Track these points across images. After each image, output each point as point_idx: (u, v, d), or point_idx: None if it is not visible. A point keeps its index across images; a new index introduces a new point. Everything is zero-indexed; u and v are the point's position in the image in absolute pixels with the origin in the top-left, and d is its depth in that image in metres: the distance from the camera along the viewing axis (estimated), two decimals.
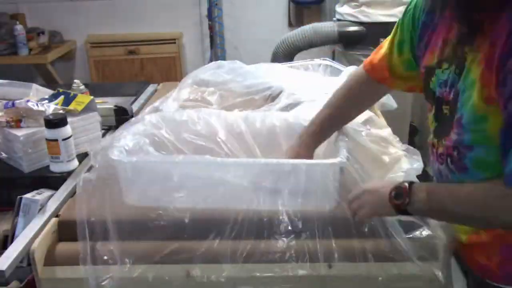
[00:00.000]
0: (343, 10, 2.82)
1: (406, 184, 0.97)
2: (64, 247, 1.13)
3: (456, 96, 0.95)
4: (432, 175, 1.08)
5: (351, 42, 2.80)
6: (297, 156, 1.23)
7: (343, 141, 1.20)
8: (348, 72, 1.73)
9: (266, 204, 1.11)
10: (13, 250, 1.09)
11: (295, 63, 2.08)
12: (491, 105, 0.87)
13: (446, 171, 0.99)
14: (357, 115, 1.33)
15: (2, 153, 1.42)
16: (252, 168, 1.14)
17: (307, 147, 1.26)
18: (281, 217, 1.08)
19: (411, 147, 1.31)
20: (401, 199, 0.97)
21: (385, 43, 1.20)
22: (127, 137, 1.21)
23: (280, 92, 1.63)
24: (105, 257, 1.07)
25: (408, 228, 1.08)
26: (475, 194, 0.92)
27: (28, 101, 1.39)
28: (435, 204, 0.95)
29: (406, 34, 1.12)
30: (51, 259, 1.10)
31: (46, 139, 1.32)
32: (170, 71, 3.86)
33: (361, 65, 1.25)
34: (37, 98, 1.48)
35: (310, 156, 1.26)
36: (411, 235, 1.07)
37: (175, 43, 3.85)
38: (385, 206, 0.99)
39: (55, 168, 1.34)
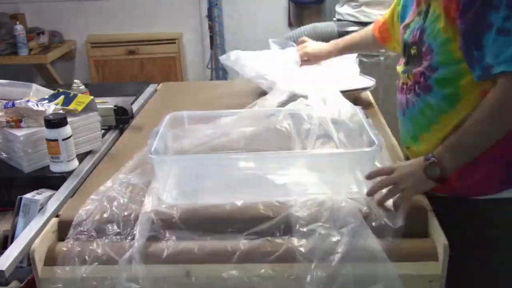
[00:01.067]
0: (343, 10, 2.82)
1: (433, 158, 1.09)
2: (64, 247, 1.13)
3: (421, 34, 1.19)
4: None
5: None
6: (320, 51, 1.85)
7: (374, 131, 1.22)
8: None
9: (294, 195, 1.13)
10: (13, 250, 1.09)
11: None
12: (453, 25, 1.10)
13: (413, 97, 1.23)
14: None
15: (2, 153, 1.42)
16: (286, 159, 1.23)
17: (327, 51, 1.83)
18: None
19: None
20: (436, 170, 1.08)
21: (390, 8, 1.53)
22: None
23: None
24: (106, 257, 1.08)
25: (409, 228, 1.08)
26: (478, 117, 1.08)
27: (28, 101, 1.39)
28: (460, 154, 1.10)
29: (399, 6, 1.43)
30: (51, 259, 1.10)
31: (46, 139, 1.32)
32: (170, 71, 3.86)
33: (373, 24, 1.65)
34: (37, 98, 1.48)
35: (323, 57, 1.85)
36: (411, 236, 1.08)
37: (175, 43, 3.85)
38: (425, 182, 1.10)
39: (55, 168, 1.34)
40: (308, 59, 1.86)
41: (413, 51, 1.24)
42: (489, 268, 1.22)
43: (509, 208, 1.20)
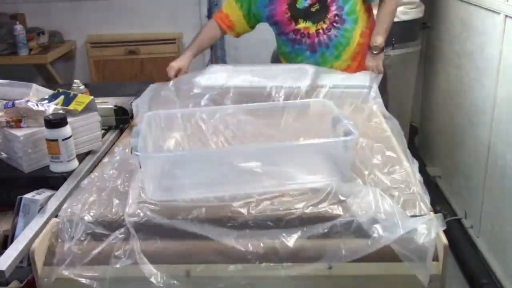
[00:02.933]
0: None
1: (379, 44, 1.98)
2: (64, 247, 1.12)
3: None
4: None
5: None
6: (182, 66, 2.15)
7: (348, 120, 1.25)
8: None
9: (276, 186, 1.16)
10: (13, 250, 1.09)
11: None
12: None
13: (334, 31, 1.97)
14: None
15: (2, 153, 1.42)
16: (263, 149, 1.28)
17: (187, 60, 2.20)
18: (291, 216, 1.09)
19: None
20: (381, 47, 1.99)
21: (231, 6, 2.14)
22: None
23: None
24: (105, 256, 1.08)
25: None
26: (387, 17, 2.02)
27: (28, 101, 1.39)
28: (384, 32, 2.00)
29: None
30: (51, 259, 1.10)
31: (46, 139, 1.32)
32: None
33: (213, 21, 2.19)
34: (37, 98, 1.48)
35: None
36: (411, 236, 1.08)
37: (175, 43, 3.84)
38: (378, 56, 1.98)
39: (55, 168, 1.34)
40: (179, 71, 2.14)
41: (314, 9, 1.93)
42: None
43: None
